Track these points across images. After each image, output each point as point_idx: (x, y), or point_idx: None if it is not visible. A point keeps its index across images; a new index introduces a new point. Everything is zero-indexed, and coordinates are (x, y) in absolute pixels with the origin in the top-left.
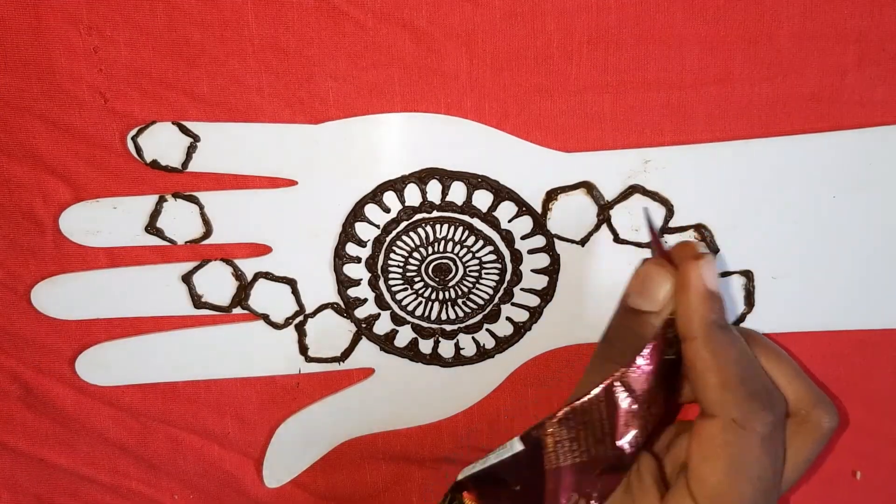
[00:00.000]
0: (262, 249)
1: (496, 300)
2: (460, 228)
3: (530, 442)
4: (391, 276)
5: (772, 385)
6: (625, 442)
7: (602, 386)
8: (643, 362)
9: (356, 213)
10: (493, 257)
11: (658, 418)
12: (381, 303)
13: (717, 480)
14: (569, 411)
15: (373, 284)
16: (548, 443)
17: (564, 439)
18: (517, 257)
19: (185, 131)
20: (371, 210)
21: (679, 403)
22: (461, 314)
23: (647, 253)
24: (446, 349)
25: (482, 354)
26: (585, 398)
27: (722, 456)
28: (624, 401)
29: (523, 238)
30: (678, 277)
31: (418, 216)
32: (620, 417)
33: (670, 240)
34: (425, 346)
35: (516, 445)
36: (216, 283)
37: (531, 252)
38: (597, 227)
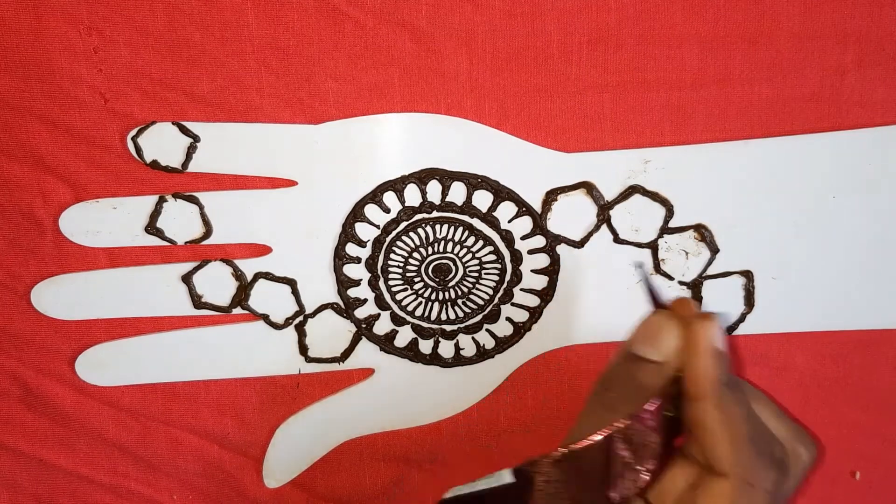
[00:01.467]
0: (262, 249)
1: (496, 300)
2: (460, 229)
3: (521, 476)
4: (391, 276)
5: (774, 439)
6: (615, 493)
7: (602, 435)
8: (646, 417)
9: (356, 214)
10: (492, 257)
11: (652, 473)
12: (381, 303)
13: None
14: (565, 454)
15: (373, 285)
16: (538, 481)
17: (555, 480)
18: (517, 257)
19: (185, 131)
20: (371, 210)
21: (670, 459)
22: (461, 314)
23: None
24: (446, 349)
25: (482, 354)
26: (583, 444)
27: None
28: (622, 452)
29: (523, 238)
30: (687, 338)
31: (418, 216)
32: (616, 468)
33: (670, 240)
34: (425, 346)
35: (506, 477)
36: (216, 284)
37: (531, 252)
38: (597, 228)
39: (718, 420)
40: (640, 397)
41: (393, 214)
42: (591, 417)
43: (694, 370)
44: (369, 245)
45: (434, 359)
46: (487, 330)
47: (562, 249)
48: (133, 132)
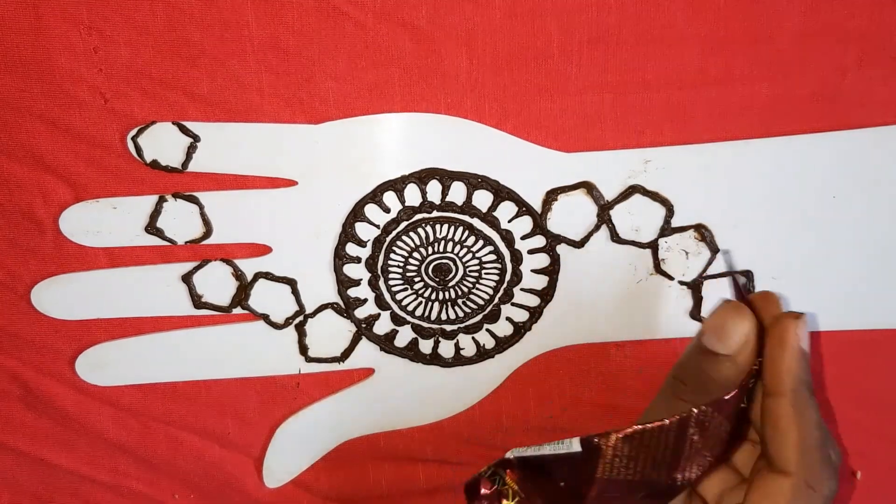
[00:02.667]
0: (262, 249)
1: (496, 300)
2: (460, 228)
3: (590, 447)
4: (391, 276)
5: (834, 447)
6: (679, 475)
7: (677, 418)
8: (724, 405)
9: (356, 213)
10: (493, 257)
11: (717, 461)
12: (381, 303)
13: None
14: (637, 431)
15: (373, 284)
16: (606, 453)
17: (624, 455)
18: (517, 257)
19: (185, 131)
20: (371, 210)
21: (734, 451)
22: (461, 314)
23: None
24: (446, 349)
25: (482, 354)
26: (657, 424)
27: None
28: (693, 436)
29: (523, 238)
30: (774, 333)
31: (418, 216)
32: (684, 451)
33: (670, 240)
34: (425, 346)
35: (575, 445)
36: (216, 283)
37: (531, 252)
38: (597, 227)
39: (793, 418)
40: (711, 391)
41: (393, 214)
42: (663, 406)
43: (777, 365)
44: (369, 245)
45: (434, 359)
46: (487, 330)
47: (562, 249)
48: (133, 132)
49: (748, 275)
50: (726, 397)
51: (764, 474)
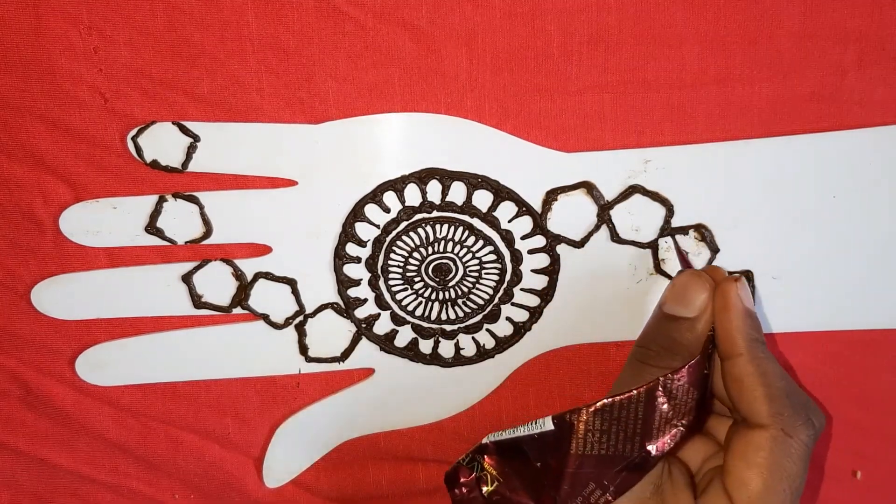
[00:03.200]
0: (262, 249)
1: (496, 300)
2: (460, 228)
3: (563, 425)
4: (391, 276)
5: (807, 397)
6: (653, 445)
7: (645, 387)
8: (687, 372)
9: (356, 213)
10: (493, 257)
11: (688, 429)
12: (381, 303)
13: (760, 485)
14: (607, 404)
15: (373, 284)
16: (579, 429)
17: (596, 430)
18: (517, 257)
19: (185, 131)
20: (371, 210)
21: (704, 420)
22: (461, 314)
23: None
24: (446, 349)
25: (482, 354)
26: (625, 395)
27: (767, 463)
28: (662, 405)
29: (523, 238)
30: (718, 298)
31: (418, 216)
32: (655, 421)
33: (671, 240)
34: (425, 346)
35: (548, 424)
36: (216, 283)
37: (531, 252)
38: (597, 227)
39: (755, 374)
40: (676, 354)
41: (393, 214)
42: (630, 376)
43: (727, 328)
44: (369, 245)
45: (434, 359)
46: (487, 330)
47: (562, 249)
48: (133, 132)
49: (748, 275)
50: (690, 363)
51: (740, 432)
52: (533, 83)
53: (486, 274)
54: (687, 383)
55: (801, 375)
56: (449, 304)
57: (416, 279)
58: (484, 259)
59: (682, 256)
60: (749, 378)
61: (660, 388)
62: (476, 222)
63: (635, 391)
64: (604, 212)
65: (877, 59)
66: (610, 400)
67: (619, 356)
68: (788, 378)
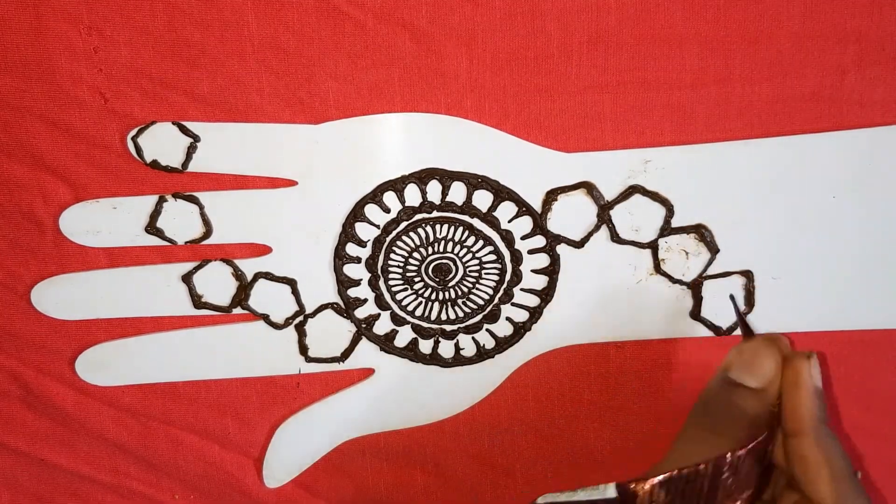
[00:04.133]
0: (262, 249)
1: (496, 300)
2: (460, 228)
3: (626, 493)
4: (391, 276)
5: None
6: None
7: (712, 462)
8: (753, 447)
9: (356, 214)
10: (492, 257)
11: (747, 502)
12: (381, 303)
13: None
14: (674, 476)
15: (373, 284)
16: (643, 499)
17: (660, 500)
18: (517, 257)
19: (185, 131)
20: (371, 210)
21: (762, 493)
22: (461, 314)
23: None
24: (446, 349)
25: (482, 354)
26: (692, 468)
27: None
28: (727, 480)
29: (523, 238)
30: (789, 373)
31: (418, 216)
32: (718, 495)
33: (670, 240)
34: (425, 346)
35: (610, 490)
36: (216, 283)
37: (531, 252)
38: (597, 228)
39: (821, 456)
40: (740, 423)
41: (393, 214)
42: (691, 439)
43: (796, 406)
44: (369, 245)
45: (434, 359)
46: (487, 330)
47: (562, 249)
48: (133, 132)
49: (748, 275)
50: (759, 439)
51: None
52: (533, 83)
53: (485, 274)
54: (752, 459)
55: None
56: (449, 304)
57: (416, 279)
58: (484, 259)
59: (741, 318)
60: (814, 459)
61: (727, 464)
62: (476, 222)
63: (702, 465)
64: (604, 212)
65: (877, 59)
66: (677, 472)
67: (618, 356)
68: (847, 457)
